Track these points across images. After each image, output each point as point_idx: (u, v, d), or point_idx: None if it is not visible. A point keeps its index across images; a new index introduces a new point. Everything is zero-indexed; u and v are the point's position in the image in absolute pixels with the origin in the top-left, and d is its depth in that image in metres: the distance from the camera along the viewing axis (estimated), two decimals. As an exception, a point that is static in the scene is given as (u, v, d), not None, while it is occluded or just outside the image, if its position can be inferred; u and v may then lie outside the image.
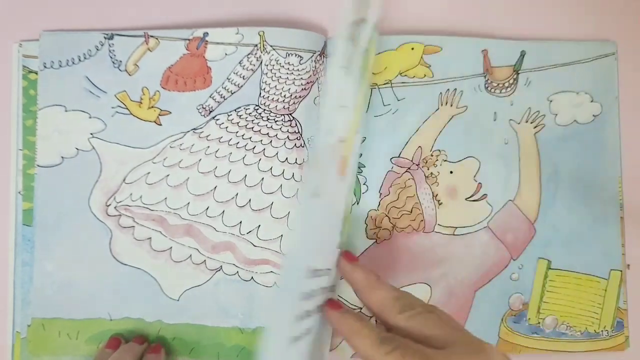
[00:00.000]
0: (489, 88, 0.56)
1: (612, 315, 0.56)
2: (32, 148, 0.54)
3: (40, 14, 0.55)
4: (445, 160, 0.55)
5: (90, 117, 0.53)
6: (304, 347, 0.41)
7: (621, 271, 0.56)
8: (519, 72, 0.56)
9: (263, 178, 0.53)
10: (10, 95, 0.55)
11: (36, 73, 0.54)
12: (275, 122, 0.54)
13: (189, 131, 0.54)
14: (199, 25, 0.55)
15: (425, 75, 0.56)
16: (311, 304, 0.42)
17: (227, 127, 0.54)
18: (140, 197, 0.53)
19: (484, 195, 0.56)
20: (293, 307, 0.39)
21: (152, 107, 0.54)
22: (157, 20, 0.56)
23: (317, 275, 0.43)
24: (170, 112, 0.54)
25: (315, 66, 0.54)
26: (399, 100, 0.55)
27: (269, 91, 0.54)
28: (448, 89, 0.56)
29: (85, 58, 0.53)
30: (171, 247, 0.53)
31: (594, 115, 0.57)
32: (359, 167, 0.55)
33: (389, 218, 0.55)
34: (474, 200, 0.55)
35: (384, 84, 0.55)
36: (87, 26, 0.55)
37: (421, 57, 0.56)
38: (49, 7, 0.56)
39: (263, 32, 0.54)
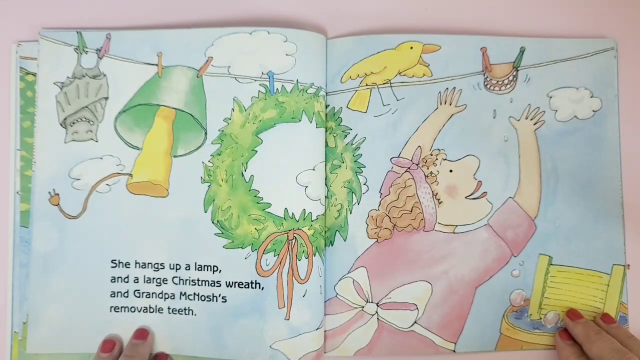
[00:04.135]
0: (488, 86, 0.56)
1: (616, 310, 0.56)
2: (30, 149, 0.53)
3: (39, 15, 0.55)
4: (444, 159, 0.56)
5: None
6: None
7: (624, 266, 0.56)
8: (519, 68, 0.56)
9: None
10: (8, 97, 0.55)
11: (34, 74, 0.54)
12: None
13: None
14: (198, 25, 0.55)
15: (424, 75, 0.56)
16: None
17: None
18: None
19: (484, 193, 0.56)
20: None
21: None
22: (158, 20, 0.56)
23: None
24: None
25: None
26: (398, 100, 0.56)
27: None
28: (447, 88, 0.56)
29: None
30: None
31: (593, 111, 0.57)
32: (359, 167, 0.55)
33: (389, 217, 0.55)
34: (474, 199, 0.56)
35: (384, 83, 0.56)
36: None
37: (420, 56, 0.56)
38: (47, 7, 0.56)
39: None
